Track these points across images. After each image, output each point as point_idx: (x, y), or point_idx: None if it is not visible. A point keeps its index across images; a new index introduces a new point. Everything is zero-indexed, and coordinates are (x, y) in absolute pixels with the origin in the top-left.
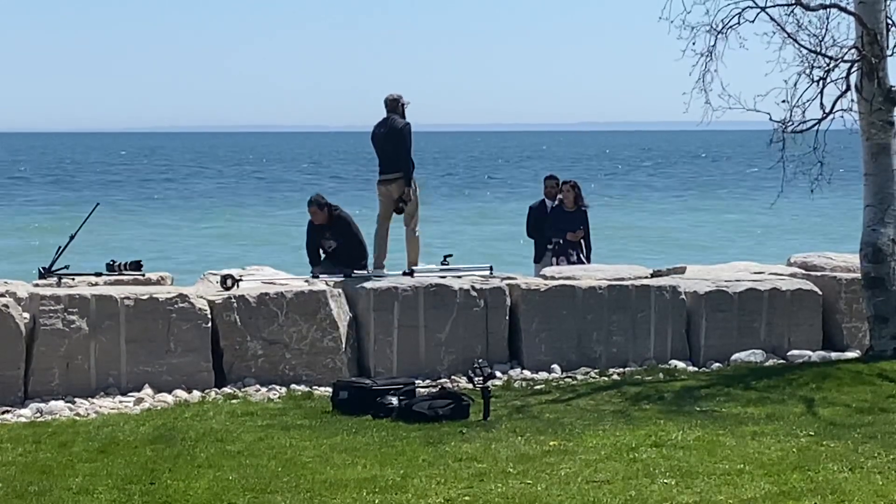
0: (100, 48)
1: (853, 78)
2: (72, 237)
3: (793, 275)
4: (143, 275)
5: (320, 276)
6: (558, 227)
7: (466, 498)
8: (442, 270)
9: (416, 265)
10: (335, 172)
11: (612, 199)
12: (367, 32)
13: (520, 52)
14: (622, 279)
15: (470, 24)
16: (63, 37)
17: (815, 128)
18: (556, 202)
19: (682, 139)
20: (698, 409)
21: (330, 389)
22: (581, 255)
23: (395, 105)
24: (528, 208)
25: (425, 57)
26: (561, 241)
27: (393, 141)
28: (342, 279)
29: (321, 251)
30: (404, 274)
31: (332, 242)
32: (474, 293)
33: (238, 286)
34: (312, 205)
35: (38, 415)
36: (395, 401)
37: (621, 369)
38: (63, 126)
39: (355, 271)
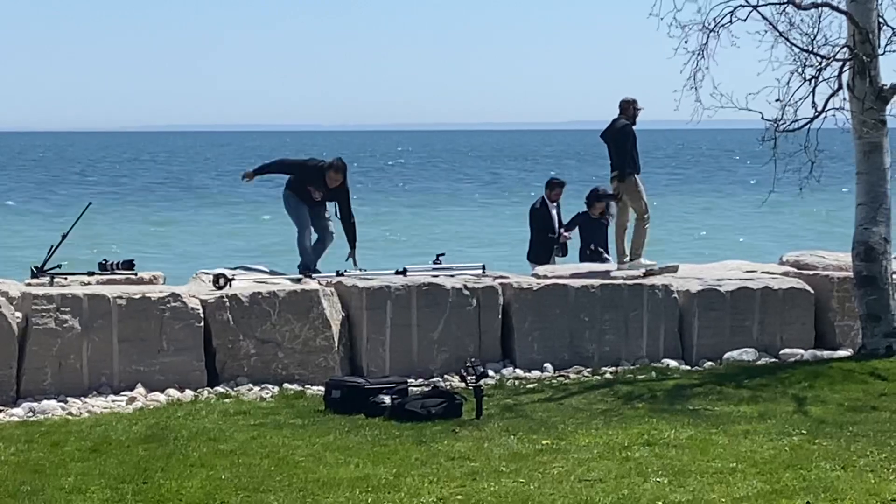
0: (77, 46)
1: (845, 77)
2: (64, 236)
3: (785, 273)
4: (136, 274)
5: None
6: (592, 232)
7: (459, 497)
8: (434, 269)
9: (637, 255)
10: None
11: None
12: (354, 31)
13: (510, 50)
14: (615, 278)
15: (458, 21)
16: (36, 35)
17: (807, 126)
18: (584, 210)
19: (668, 138)
20: (691, 407)
21: (322, 388)
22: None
23: (625, 107)
24: (530, 208)
25: (416, 55)
26: (592, 247)
27: (613, 141)
28: (335, 277)
29: (308, 195)
30: (397, 273)
31: (321, 194)
32: (467, 292)
33: (230, 285)
34: (337, 170)
35: (31, 414)
36: (387, 400)
37: (614, 368)
38: (39, 126)
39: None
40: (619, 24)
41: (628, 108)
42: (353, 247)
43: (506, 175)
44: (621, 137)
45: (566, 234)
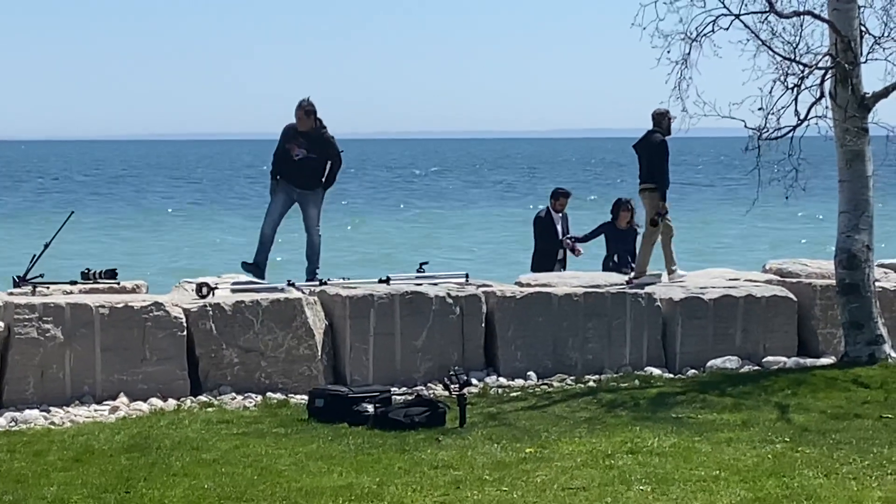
0: (84, 55)
1: (827, 85)
2: (46, 245)
3: (768, 281)
4: (119, 283)
5: (278, 193)
6: (617, 245)
7: None
8: (418, 278)
9: (640, 274)
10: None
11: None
12: (341, 40)
13: (493, 58)
14: (598, 286)
15: (442, 31)
16: (39, 43)
17: (790, 135)
18: (610, 220)
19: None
20: (674, 415)
21: (306, 397)
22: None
23: (659, 119)
24: (534, 218)
25: (398, 63)
26: (615, 260)
27: (649, 154)
28: (318, 286)
29: (289, 157)
30: (380, 281)
31: (304, 151)
32: (450, 300)
33: (213, 294)
34: (300, 109)
35: (13, 424)
36: (370, 408)
37: (597, 376)
38: (39, 134)
39: (312, 190)
40: (607, 32)
41: (662, 120)
42: (326, 187)
43: (514, 183)
44: (658, 153)
45: (577, 244)
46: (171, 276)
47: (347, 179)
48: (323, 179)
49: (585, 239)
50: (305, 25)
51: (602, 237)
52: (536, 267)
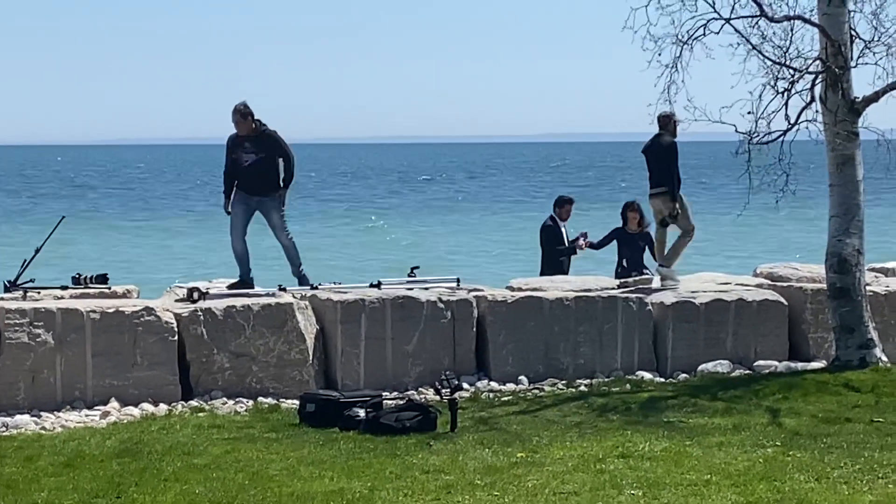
0: (79, 59)
1: (818, 89)
2: (37, 250)
3: (759, 285)
4: (109, 288)
5: (231, 208)
6: (628, 248)
7: None
8: (409, 282)
9: (667, 263)
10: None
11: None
12: (341, 41)
13: (491, 61)
14: (589, 290)
15: (442, 35)
16: (37, 49)
17: (781, 139)
18: (621, 225)
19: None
20: (665, 419)
21: (297, 402)
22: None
23: (666, 122)
24: (540, 227)
25: (397, 66)
26: (624, 265)
27: (658, 157)
28: (310, 291)
29: (238, 166)
30: (371, 286)
31: (252, 156)
32: (441, 305)
33: (204, 299)
34: (235, 113)
35: (4, 429)
36: (362, 413)
37: (588, 380)
38: (36, 139)
39: (269, 195)
40: (608, 34)
41: (669, 123)
42: (286, 186)
43: (518, 186)
44: (667, 155)
45: (583, 243)
46: (172, 280)
47: (346, 182)
48: (280, 181)
49: (599, 245)
50: (305, 26)
51: (614, 243)
52: (545, 275)
